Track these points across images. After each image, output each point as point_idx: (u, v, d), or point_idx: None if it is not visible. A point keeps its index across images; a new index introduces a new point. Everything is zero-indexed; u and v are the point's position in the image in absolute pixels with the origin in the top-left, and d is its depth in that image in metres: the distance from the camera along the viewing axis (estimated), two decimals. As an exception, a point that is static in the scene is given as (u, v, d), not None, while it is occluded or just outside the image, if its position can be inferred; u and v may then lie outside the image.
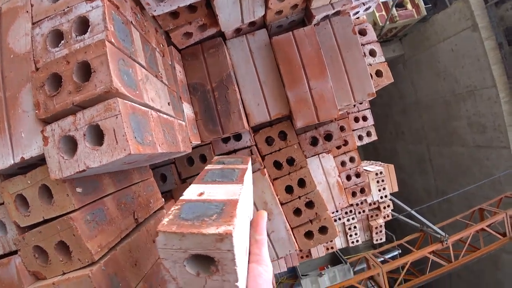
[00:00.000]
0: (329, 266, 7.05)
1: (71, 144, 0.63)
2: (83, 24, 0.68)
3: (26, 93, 0.68)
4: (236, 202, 0.48)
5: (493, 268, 7.66)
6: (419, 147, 9.15)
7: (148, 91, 0.83)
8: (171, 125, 0.99)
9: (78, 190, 0.68)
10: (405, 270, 5.42)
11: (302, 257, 3.72)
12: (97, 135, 0.63)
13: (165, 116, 0.95)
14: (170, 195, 1.56)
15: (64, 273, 0.67)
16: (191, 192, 0.51)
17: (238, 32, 1.36)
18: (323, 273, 6.58)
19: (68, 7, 0.68)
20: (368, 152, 11.46)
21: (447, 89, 7.49)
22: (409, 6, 7.44)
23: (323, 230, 1.68)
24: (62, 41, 0.68)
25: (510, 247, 6.06)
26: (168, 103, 1.03)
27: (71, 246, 0.66)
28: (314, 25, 1.41)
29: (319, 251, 3.83)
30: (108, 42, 0.65)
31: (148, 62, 0.91)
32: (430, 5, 8.09)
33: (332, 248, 4.17)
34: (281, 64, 1.35)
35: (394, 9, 7.03)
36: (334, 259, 7.56)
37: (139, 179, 0.98)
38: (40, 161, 0.67)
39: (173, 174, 1.56)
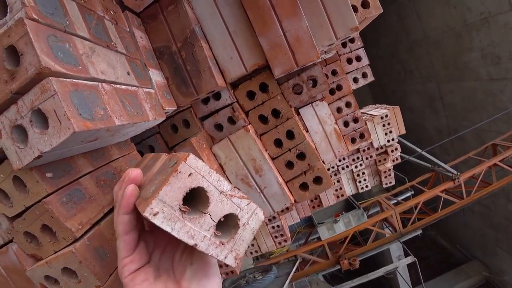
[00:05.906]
0: (343, 212, 7.28)
1: (23, 133, 0.63)
2: (2, 5, 0.63)
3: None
4: None
5: (505, 201, 7.71)
6: (429, 86, 8.64)
7: (95, 64, 0.79)
8: (134, 95, 0.96)
9: (48, 175, 0.70)
10: (417, 210, 5.52)
11: (313, 207, 3.79)
12: (43, 119, 0.62)
13: (124, 87, 0.91)
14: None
15: (55, 252, 0.73)
16: None
17: (198, -20, 1.23)
18: (337, 219, 6.82)
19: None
20: (376, 95, 11.01)
21: (457, 19, 6.82)
22: None
23: (317, 180, 1.68)
24: (-14, 29, 0.63)
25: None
26: (128, 73, 0.99)
27: (53, 227, 0.70)
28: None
29: (329, 200, 3.88)
30: (29, 20, 0.60)
31: (93, 33, 0.85)
32: None
33: (342, 196, 4.24)
34: (248, 9, 1.23)
35: None
36: (349, 205, 7.78)
37: (119, 155, 0.98)
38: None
39: (160, 144, 1.56)
